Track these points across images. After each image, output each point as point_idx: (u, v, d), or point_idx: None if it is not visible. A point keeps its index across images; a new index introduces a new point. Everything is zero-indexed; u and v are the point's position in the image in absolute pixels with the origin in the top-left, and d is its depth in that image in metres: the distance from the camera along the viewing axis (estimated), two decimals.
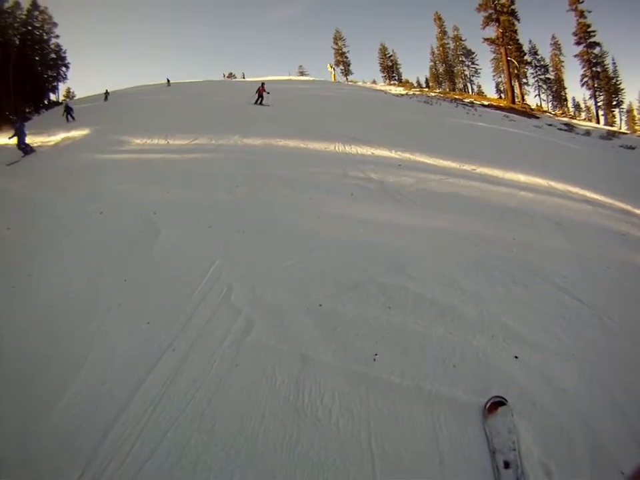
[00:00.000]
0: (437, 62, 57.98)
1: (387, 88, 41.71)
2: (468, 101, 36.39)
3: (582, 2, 45.54)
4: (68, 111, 22.12)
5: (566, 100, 54.93)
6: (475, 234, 6.31)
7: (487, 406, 2.97)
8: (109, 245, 6.24)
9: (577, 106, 57.86)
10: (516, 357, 3.61)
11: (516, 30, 44.31)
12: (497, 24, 42.98)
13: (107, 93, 30.05)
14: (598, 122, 46.81)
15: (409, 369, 3.49)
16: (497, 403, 2.96)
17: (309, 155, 11.60)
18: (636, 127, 52.12)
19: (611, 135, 30.59)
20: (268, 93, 21.57)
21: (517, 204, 8.05)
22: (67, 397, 3.44)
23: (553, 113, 44.06)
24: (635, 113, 54.57)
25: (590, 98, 50.25)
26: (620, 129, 45.47)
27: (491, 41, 44.28)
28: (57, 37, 43.04)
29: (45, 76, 41.95)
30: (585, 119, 50.95)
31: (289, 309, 4.35)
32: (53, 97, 43.49)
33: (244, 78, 52.01)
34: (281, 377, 3.47)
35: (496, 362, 3.55)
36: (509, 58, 43.06)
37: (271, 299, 4.54)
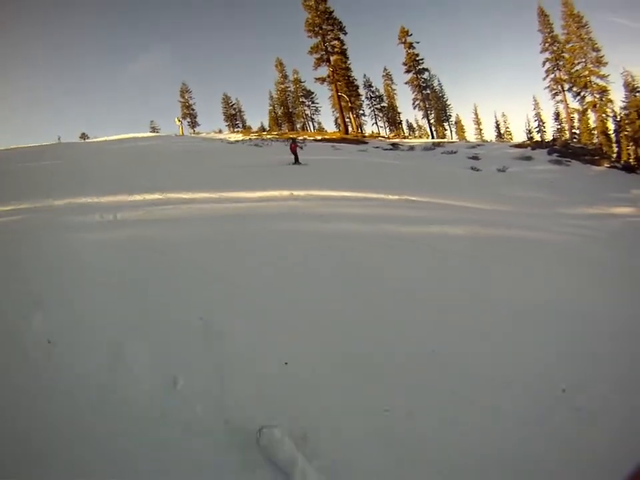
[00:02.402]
0: (276, 105, 59.92)
1: (227, 136, 41.79)
2: (301, 138, 37.45)
3: (410, 35, 49.93)
4: None
5: (400, 123, 59.20)
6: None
7: None
8: None
9: (410, 127, 62.64)
10: None
11: (347, 67, 47.02)
12: (328, 64, 45.27)
13: None
14: (433, 137, 50.78)
15: None
16: None
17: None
18: (464, 135, 57.59)
19: (436, 145, 33.12)
20: (301, 148, 20.27)
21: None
22: None
23: (386, 136, 46.78)
24: (463, 122, 60.27)
25: (423, 118, 54.76)
26: (450, 139, 49.80)
27: (322, 80, 46.40)
28: None
29: None
30: (417, 136, 55.14)
31: None
32: None
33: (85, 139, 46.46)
34: None
35: None
36: (339, 93, 45.33)
37: None
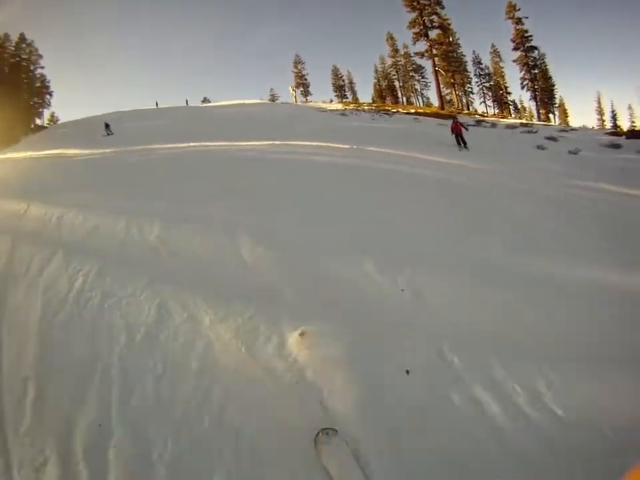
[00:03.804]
0: (380, 79, 61.29)
1: (327, 106, 44.26)
2: (394, 110, 38.99)
3: (518, 10, 48.82)
4: (107, 126, 24.86)
5: (507, 103, 57.68)
6: None
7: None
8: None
9: (515, 107, 60.68)
10: None
11: (448, 42, 47.41)
12: (426, 38, 46.01)
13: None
14: (539, 119, 49.36)
15: None
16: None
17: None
18: (567, 119, 54.80)
19: (524, 125, 33.07)
20: (466, 129, 18.29)
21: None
22: None
23: (485, 114, 46.59)
24: (567, 106, 57.31)
25: (530, 99, 53.05)
26: (551, 122, 48.13)
27: (421, 54, 47.34)
28: (42, 67, 47.09)
29: (31, 102, 45.38)
30: (519, 117, 53.61)
31: None
32: (38, 121, 47.04)
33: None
34: None
35: None
36: (436, 68, 45.89)
37: None
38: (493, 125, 32.37)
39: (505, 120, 40.33)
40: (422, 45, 47.26)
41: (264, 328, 4.00)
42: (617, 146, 24.52)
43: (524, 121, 41.32)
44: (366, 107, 41.93)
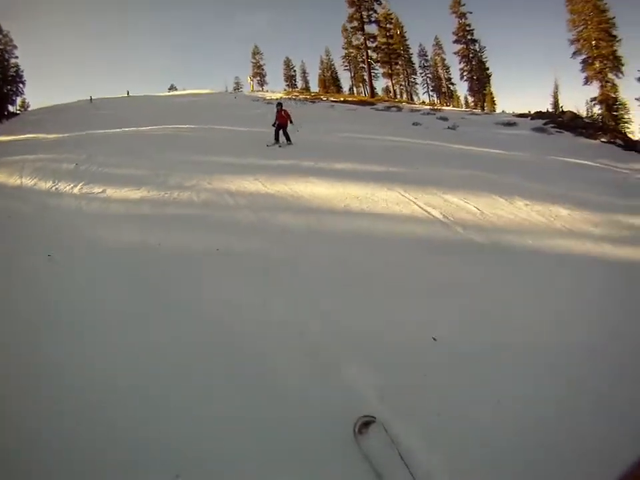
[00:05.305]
0: (324, 69, 65.07)
1: (268, 94, 47.80)
2: (324, 99, 43.04)
3: (463, 5, 52.56)
4: None
5: (445, 93, 61.53)
6: None
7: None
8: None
9: (451, 96, 64.43)
10: None
11: (387, 35, 51.78)
12: (362, 32, 50.21)
13: None
14: (467, 107, 53.33)
15: None
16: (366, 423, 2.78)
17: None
18: (494, 107, 58.24)
19: (434, 110, 36.75)
20: (291, 122, 15.02)
21: None
22: None
23: (413, 102, 50.49)
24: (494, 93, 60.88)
25: (468, 90, 56.87)
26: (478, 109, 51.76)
27: (357, 48, 51.44)
28: (17, 57, 49.32)
29: (5, 91, 47.75)
30: (453, 105, 57.44)
31: None
32: (11, 108, 49.18)
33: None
34: None
35: None
36: (369, 60, 50.10)
37: None
38: (399, 109, 36.34)
39: (415, 105, 43.98)
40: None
41: None
42: (511, 124, 26.72)
43: (436, 107, 44.61)
44: (302, 96, 45.73)
